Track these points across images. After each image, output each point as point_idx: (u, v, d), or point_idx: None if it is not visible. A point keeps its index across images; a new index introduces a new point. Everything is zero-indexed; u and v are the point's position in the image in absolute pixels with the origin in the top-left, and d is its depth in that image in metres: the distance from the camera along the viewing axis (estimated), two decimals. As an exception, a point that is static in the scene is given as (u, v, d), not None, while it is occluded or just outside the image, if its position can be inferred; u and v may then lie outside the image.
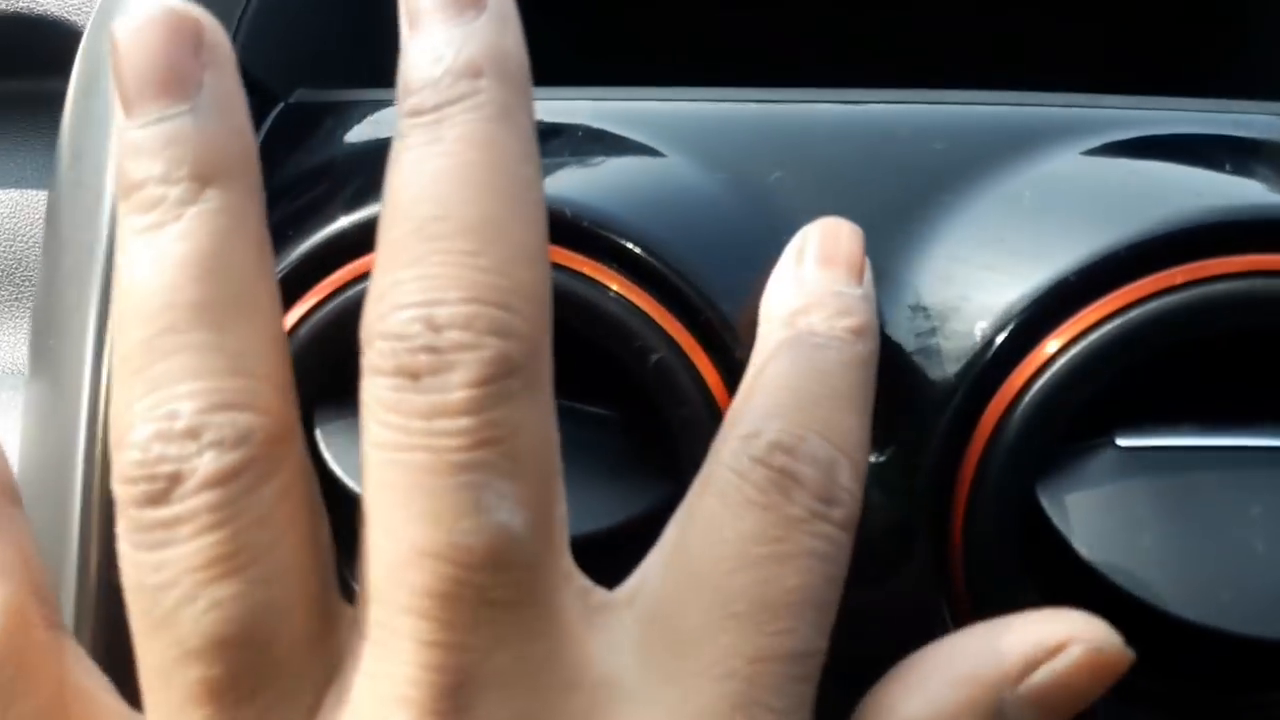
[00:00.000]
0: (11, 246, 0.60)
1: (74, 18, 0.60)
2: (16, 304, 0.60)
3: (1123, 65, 0.54)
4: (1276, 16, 0.50)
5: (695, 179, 0.35)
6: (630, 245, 0.32)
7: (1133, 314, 0.31)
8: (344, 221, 0.33)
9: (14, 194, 0.60)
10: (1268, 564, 0.30)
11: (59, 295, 0.36)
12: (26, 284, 0.60)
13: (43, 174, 0.61)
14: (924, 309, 0.33)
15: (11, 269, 0.60)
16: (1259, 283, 0.31)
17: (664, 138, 0.36)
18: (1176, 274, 0.31)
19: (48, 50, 0.60)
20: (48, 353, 0.36)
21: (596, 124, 0.36)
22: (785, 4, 0.53)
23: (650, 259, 0.32)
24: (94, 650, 0.32)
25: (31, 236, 0.60)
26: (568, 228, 0.32)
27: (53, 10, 0.60)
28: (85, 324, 0.35)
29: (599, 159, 0.35)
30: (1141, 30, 0.53)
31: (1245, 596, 0.30)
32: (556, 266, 0.31)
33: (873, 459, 0.33)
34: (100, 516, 0.33)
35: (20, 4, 0.60)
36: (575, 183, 0.34)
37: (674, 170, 0.35)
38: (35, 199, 0.60)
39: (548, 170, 0.34)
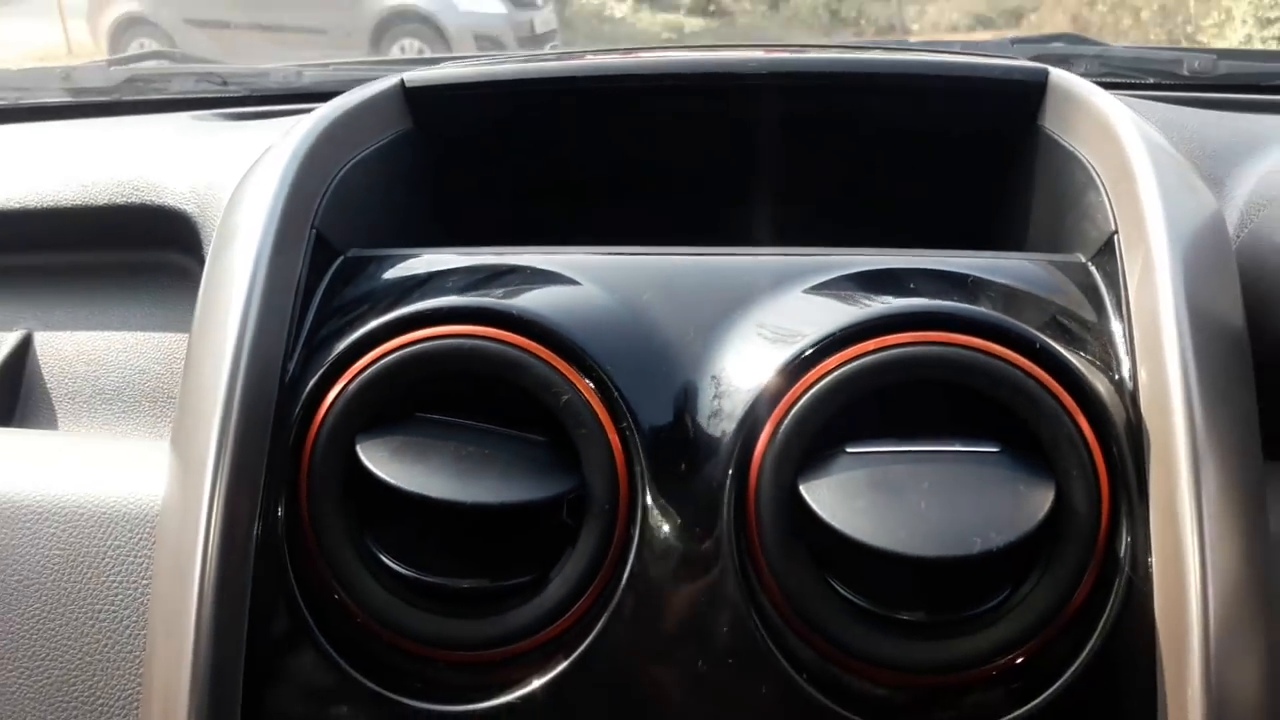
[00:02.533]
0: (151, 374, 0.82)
1: (185, 207, 0.83)
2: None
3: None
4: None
5: (597, 296, 0.57)
6: (553, 329, 0.54)
7: (842, 370, 0.53)
8: (375, 322, 0.56)
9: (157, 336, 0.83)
10: (928, 516, 0.50)
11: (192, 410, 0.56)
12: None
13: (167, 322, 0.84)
14: (716, 379, 0.55)
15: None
16: (918, 349, 0.52)
17: (580, 274, 0.59)
18: (867, 346, 0.52)
19: (167, 231, 0.84)
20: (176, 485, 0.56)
21: (537, 266, 0.59)
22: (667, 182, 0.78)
23: (564, 337, 0.54)
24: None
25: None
26: (514, 321, 0.54)
27: (170, 203, 0.84)
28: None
29: (537, 285, 0.58)
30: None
31: (915, 534, 0.50)
32: (506, 344, 0.54)
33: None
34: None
35: (147, 198, 0.84)
36: (522, 296, 0.56)
37: (584, 291, 0.58)
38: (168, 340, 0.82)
39: (508, 292, 0.57)
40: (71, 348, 0.84)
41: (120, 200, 0.86)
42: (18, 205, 0.87)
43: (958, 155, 0.77)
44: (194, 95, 1.14)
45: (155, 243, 0.87)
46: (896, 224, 0.82)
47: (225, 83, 1.15)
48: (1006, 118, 0.74)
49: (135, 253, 0.88)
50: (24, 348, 0.85)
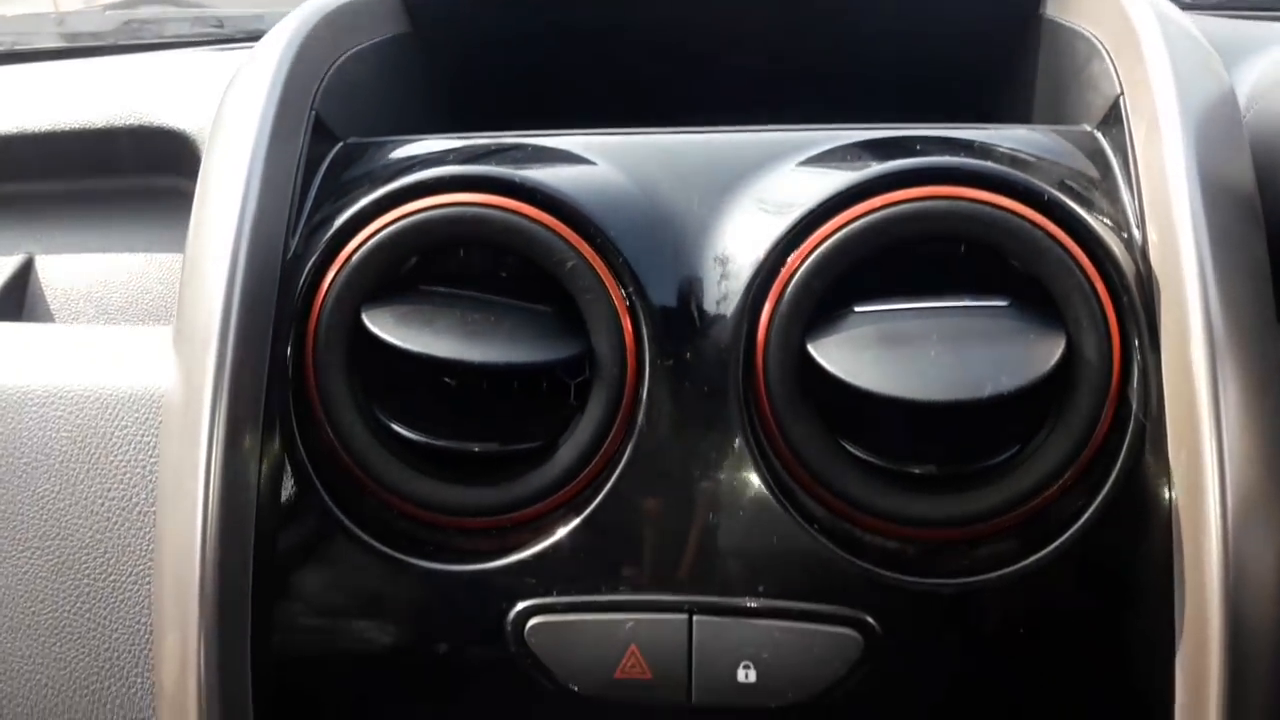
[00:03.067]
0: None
1: (184, 128, 0.83)
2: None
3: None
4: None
5: (600, 169, 0.57)
6: (556, 195, 0.54)
7: (849, 227, 0.52)
8: (377, 193, 0.55)
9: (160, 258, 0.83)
10: (937, 364, 0.50)
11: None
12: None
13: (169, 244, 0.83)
14: (721, 242, 0.55)
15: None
16: (926, 204, 0.52)
17: (583, 151, 0.58)
18: (874, 202, 0.52)
19: (167, 154, 0.84)
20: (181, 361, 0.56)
21: (540, 144, 0.59)
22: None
23: (568, 203, 0.54)
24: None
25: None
26: (517, 188, 0.54)
27: (169, 124, 0.83)
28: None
29: (540, 160, 0.58)
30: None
31: (925, 381, 0.50)
32: (510, 211, 0.53)
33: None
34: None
35: (146, 120, 0.84)
36: (525, 168, 0.56)
37: (588, 165, 0.57)
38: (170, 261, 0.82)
39: (510, 165, 0.56)
40: (73, 270, 0.84)
41: (119, 123, 0.85)
42: (15, 131, 0.87)
43: (960, 48, 0.76)
44: (189, 39, 1.14)
45: (155, 167, 0.86)
46: (897, 113, 0.81)
47: (221, 25, 1.15)
48: (1010, 8, 0.73)
49: (136, 178, 0.88)
50: (25, 271, 0.85)
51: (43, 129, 0.86)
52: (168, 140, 0.84)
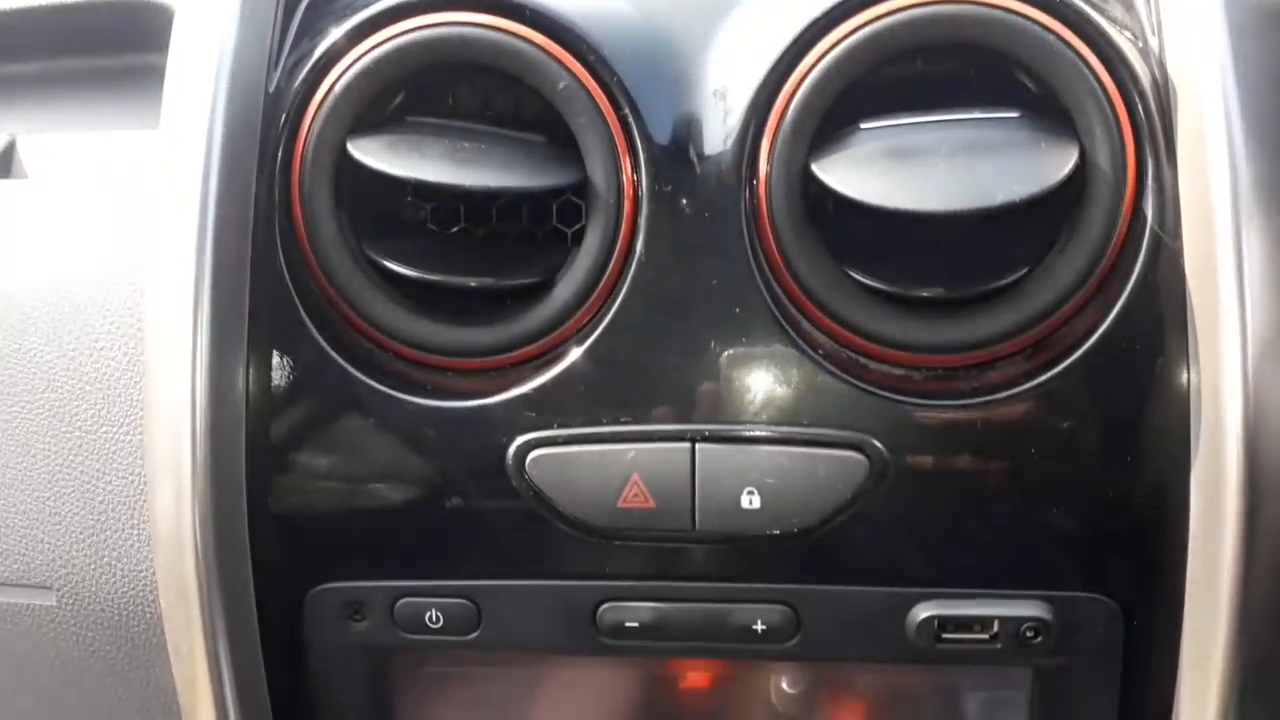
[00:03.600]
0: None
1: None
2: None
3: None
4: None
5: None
6: (546, 12, 0.52)
7: (854, 37, 0.50)
8: (358, 17, 0.53)
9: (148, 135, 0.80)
10: (946, 175, 0.48)
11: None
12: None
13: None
14: (720, 60, 0.53)
15: None
16: (931, 8, 0.49)
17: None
18: (878, 10, 0.50)
19: (150, 30, 0.81)
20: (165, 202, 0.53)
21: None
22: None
23: (558, 20, 0.52)
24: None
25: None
26: (505, 6, 0.52)
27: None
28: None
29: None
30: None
31: (933, 191, 0.48)
32: (498, 30, 0.51)
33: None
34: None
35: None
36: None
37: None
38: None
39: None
40: (58, 149, 0.82)
41: (99, -1, 0.83)
42: (-8, 9, 0.84)
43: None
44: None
45: (139, 45, 0.84)
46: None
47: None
48: None
49: (120, 57, 0.85)
50: (9, 152, 0.83)
51: (19, 5, 0.84)
52: (150, 14, 0.82)
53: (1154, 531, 0.50)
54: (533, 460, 0.52)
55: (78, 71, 0.87)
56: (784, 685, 0.58)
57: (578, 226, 0.54)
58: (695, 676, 0.56)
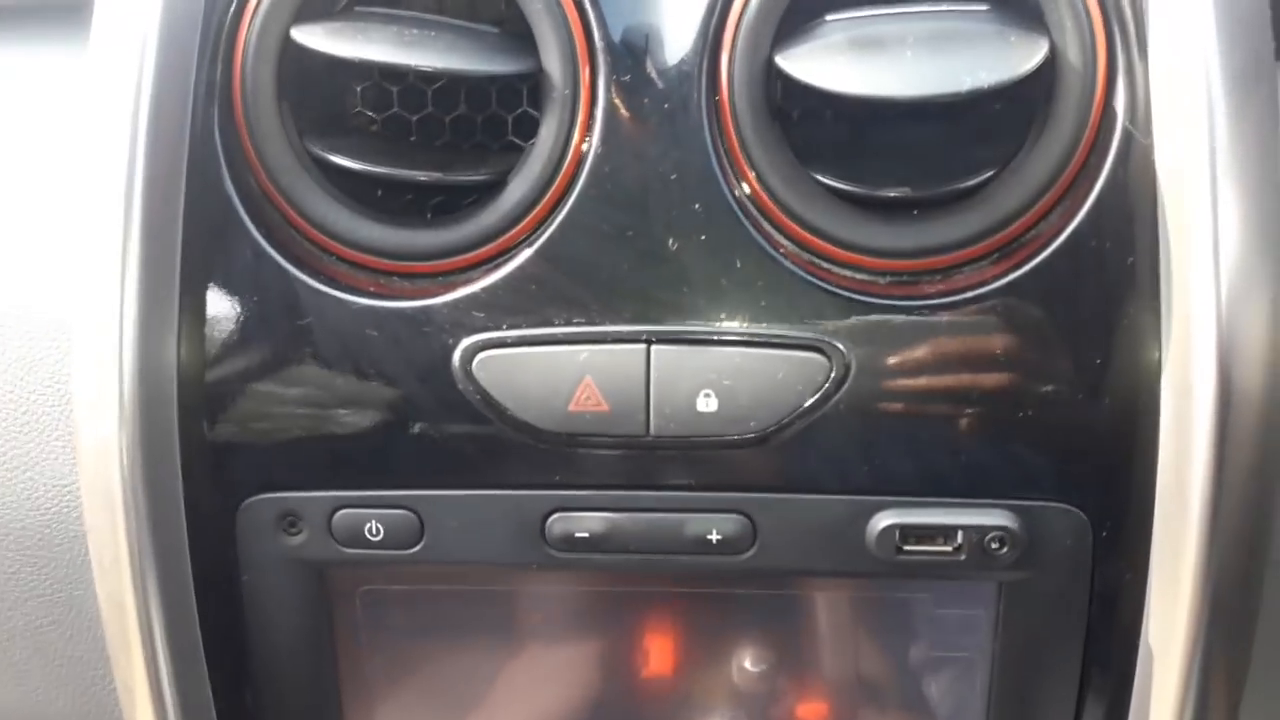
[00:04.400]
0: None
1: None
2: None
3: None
4: None
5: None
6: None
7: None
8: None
9: None
10: (914, 62, 0.46)
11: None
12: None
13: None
14: None
15: None
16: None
17: None
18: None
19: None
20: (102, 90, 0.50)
21: None
22: None
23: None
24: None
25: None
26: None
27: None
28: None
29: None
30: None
31: (901, 78, 0.46)
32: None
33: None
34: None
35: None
36: None
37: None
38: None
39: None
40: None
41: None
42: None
43: None
44: None
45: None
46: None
47: None
48: None
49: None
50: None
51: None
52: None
53: (1123, 439, 0.48)
54: (480, 362, 0.49)
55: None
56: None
57: (519, 111, 0.52)
58: (650, 597, 0.54)
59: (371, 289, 0.51)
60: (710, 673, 0.54)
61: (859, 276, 0.50)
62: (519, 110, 0.55)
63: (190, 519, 0.51)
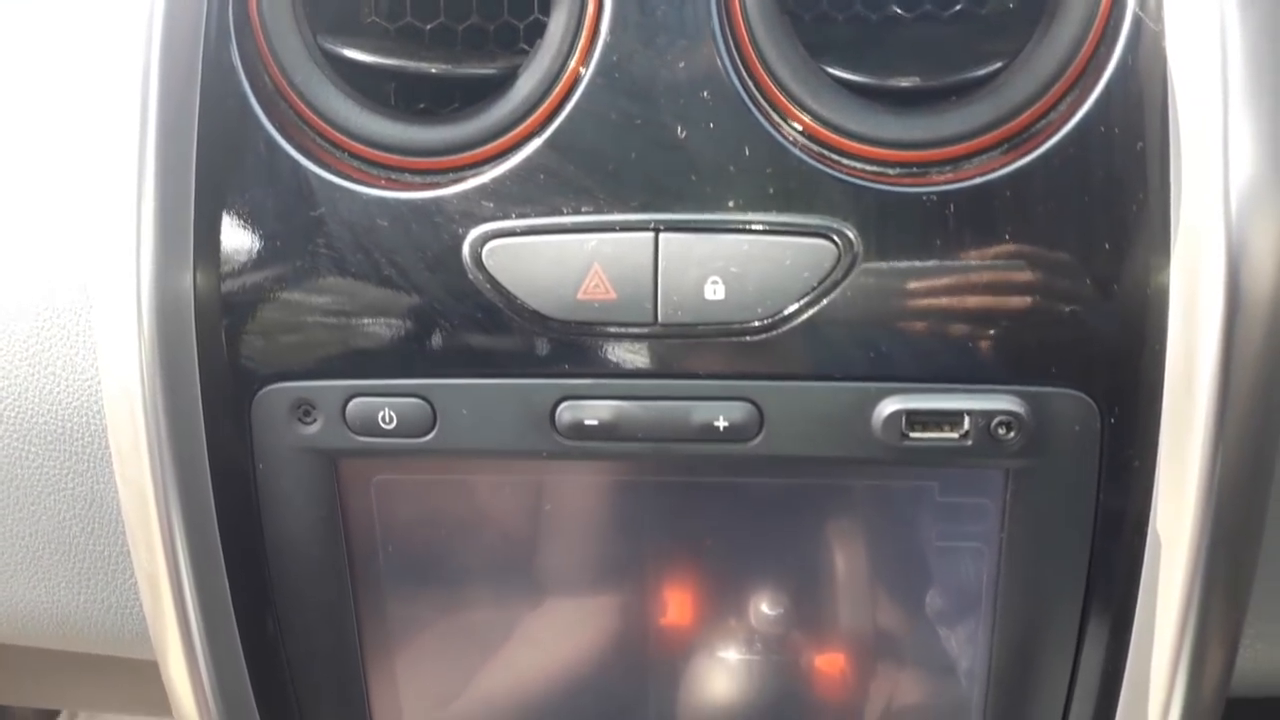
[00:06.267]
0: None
1: None
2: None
3: None
4: None
5: None
6: None
7: None
8: None
9: None
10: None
11: None
12: None
13: None
14: None
15: None
16: None
17: None
18: None
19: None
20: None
21: None
22: None
23: None
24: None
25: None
26: None
27: None
28: None
29: None
30: None
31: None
32: None
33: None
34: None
35: None
36: None
37: None
38: None
39: None
40: None
41: None
42: None
43: None
44: None
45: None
46: None
47: None
48: None
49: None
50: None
51: None
52: None
53: (1132, 326, 0.48)
54: (490, 250, 0.50)
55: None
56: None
57: (530, 19, 0.52)
58: (659, 488, 0.54)
59: (383, 182, 0.52)
60: (717, 562, 0.55)
61: (868, 168, 0.50)
62: (530, 18, 0.56)
63: (207, 408, 0.52)
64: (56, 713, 1.61)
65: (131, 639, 0.65)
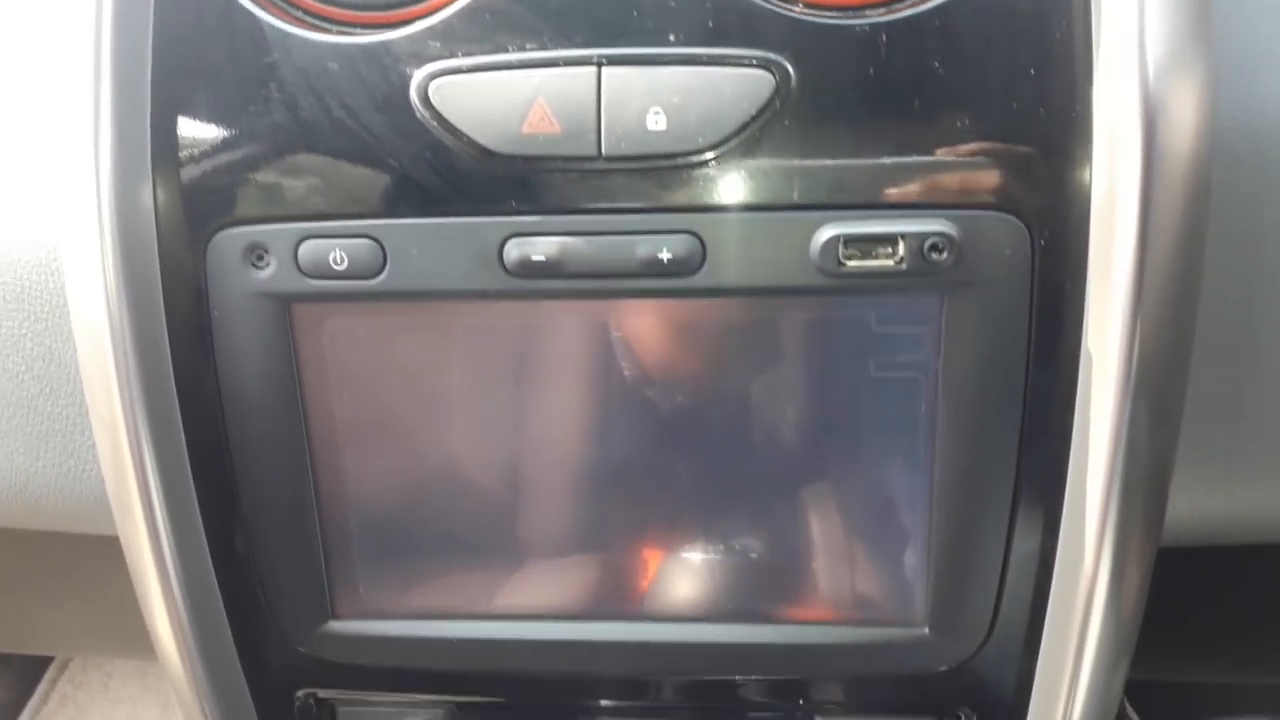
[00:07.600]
0: None
1: None
2: None
3: None
4: None
5: None
6: None
7: None
8: None
9: None
10: None
11: None
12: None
13: None
14: None
15: None
16: None
17: None
18: None
19: None
20: None
21: None
22: None
23: None
24: None
25: None
26: None
27: None
28: None
29: None
30: None
31: None
32: None
33: None
34: None
35: None
36: None
37: None
38: None
39: None
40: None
41: None
42: None
43: None
44: None
45: None
46: None
47: None
48: None
49: None
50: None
51: None
52: None
53: (1058, 148, 0.50)
54: (436, 87, 0.51)
55: None
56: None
57: None
58: (606, 325, 0.55)
59: (334, 31, 0.53)
60: (659, 404, 0.56)
61: (805, 4, 0.51)
62: None
63: (162, 252, 0.53)
64: (49, 660, 1.60)
65: (91, 508, 0.65)
